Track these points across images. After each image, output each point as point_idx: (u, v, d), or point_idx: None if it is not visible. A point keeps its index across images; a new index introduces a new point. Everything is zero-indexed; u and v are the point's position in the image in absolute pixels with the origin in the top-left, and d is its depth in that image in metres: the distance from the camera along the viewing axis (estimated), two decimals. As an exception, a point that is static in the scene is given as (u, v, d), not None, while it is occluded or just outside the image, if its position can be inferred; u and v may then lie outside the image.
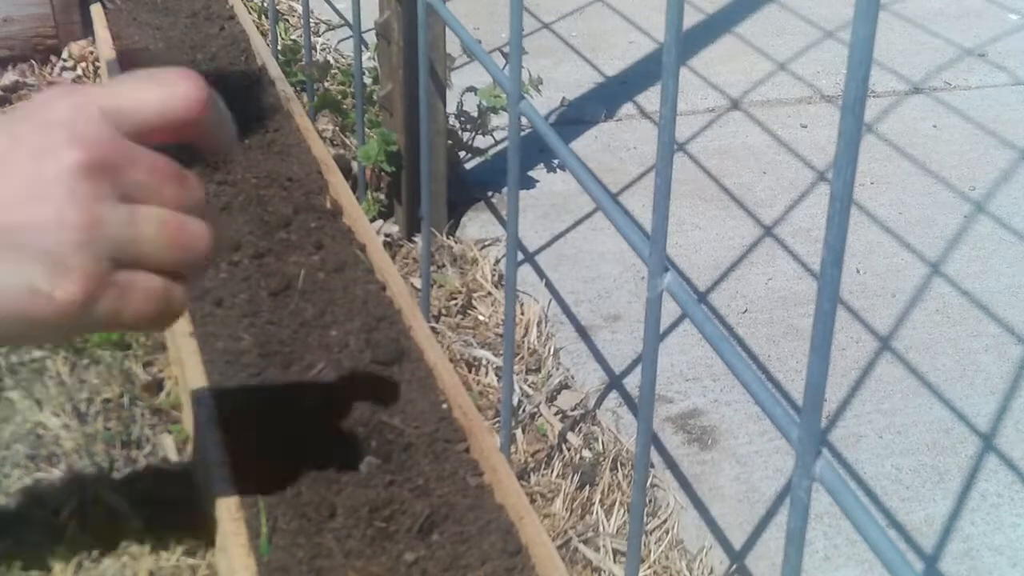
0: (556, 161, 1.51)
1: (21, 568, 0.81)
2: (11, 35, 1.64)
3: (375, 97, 1.35)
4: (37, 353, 1.01)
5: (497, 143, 1.52)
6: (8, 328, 0.53)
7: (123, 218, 0.55)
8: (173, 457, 0.93)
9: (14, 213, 0.52)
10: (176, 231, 0.57)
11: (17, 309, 0.53)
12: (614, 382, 1.11)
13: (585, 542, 0.92)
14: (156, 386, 1.00)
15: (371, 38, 1.35)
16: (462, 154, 1.48)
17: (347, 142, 1.50)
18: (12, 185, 0.53)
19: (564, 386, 1.10)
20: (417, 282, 1.22)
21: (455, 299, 1.21)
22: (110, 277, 0.55)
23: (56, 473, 0.89)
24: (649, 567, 0.91)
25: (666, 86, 0.56)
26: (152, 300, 0.56)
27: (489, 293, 1.23)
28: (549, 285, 1.25)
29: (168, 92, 0.58)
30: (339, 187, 1.18)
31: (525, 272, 1.27)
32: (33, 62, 1.65)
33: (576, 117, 1.66)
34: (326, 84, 1.59)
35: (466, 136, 1.46)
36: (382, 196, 1.34)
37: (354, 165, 1.37)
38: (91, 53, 1.65)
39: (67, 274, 0.53)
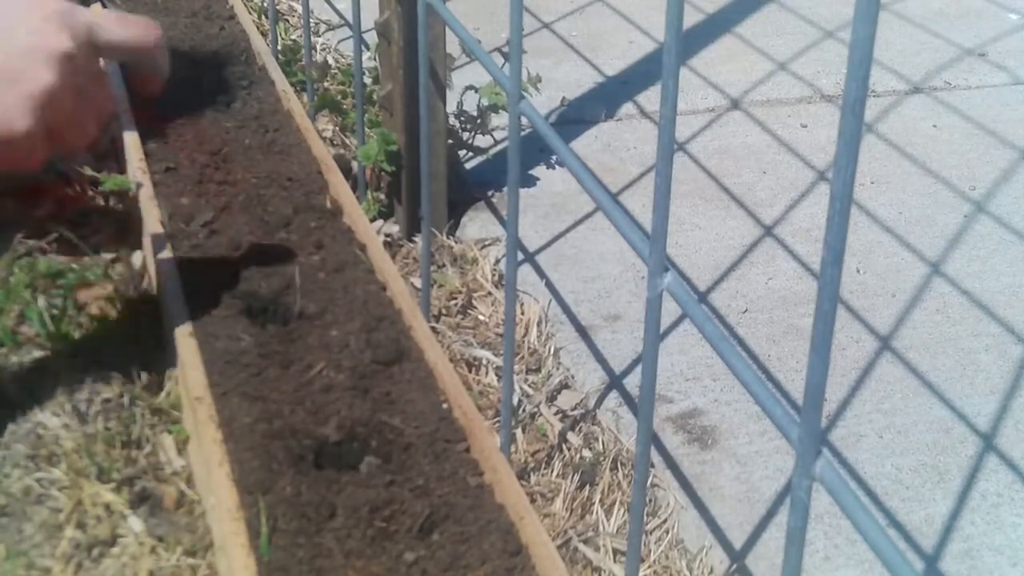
0: (555, 159, 1.51)
1: (21, 568, 0.81)
2: (11, 35, 1.63)
3: (375, 97, 1.35)
4: (37, 353, 1.02)
5: (497, 143, 1.52)
6: None
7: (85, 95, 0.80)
8: (173, 457, 0.93)
9: (12, 63, 0.75)
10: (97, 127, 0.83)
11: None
12: (614, 382, 1.11)
13: (585, 542, 0.92)
14: (156, 386, 1.00)
15: (371, 38, 1.35)
16: (462, 154, 1.48)
17: (347, 142, 1.50)
18: (13, 45, 0.76)
19: (564, 386, 1.10)
20: (417, 282, 1.22)
21: (455, 299, 1.21)
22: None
23: (56, 473, 0.89)
24: (649, 567, 0.91)
25: (666, 86, 0.56)
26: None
27: (489, 293, 1.23)
28: (549, 285, 1.25)
29: (134, 27, 0.82)
30: (339, 187, 1.18)
31: (525, 272, 1.27)
32: (33, 62, 1.64)
33: (576, 117, 1.66)
34: (326, 84, 1.59)
35: (466, 136, 1.46)
36: (382, 196, 1.34)
37: (354, 165, 1.37)
38: (91, 53, 1.65)
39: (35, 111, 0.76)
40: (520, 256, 1.30)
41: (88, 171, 1.30)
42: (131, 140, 1.26)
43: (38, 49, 0.76)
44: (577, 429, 1.04)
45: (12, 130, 0.76)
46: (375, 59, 1.35)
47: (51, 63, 0.76)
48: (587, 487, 0.97)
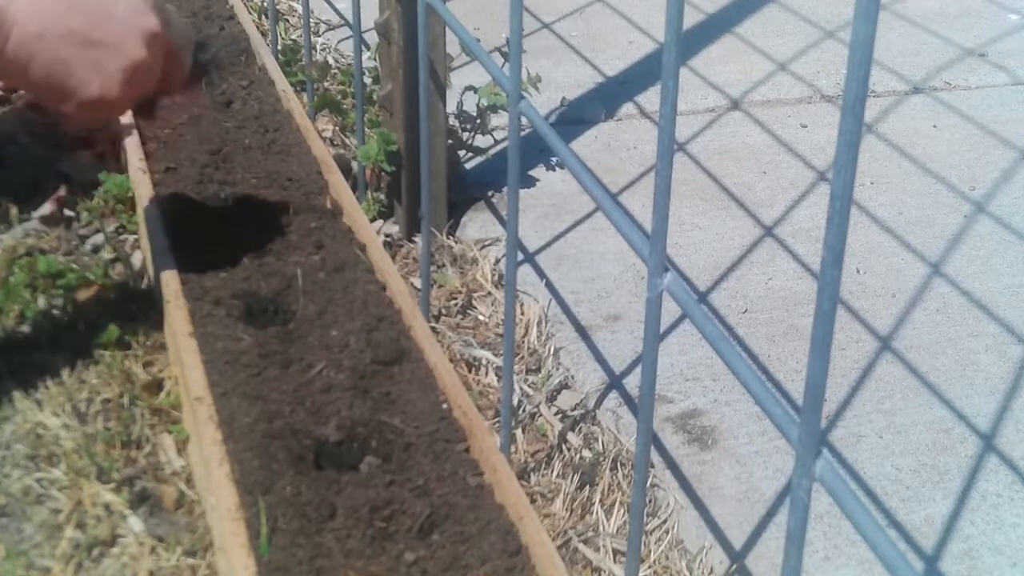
0: (555, 159, 1.51)
1: (21, 568, 0.81)
2: (11, 35, 1.63)
3: (375, 97, 1.35)
4: (37, 353, 1.02)
5: (497, 143, 1.52)
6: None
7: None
8: (173, 457, 0.93)
9: (111, 36, 0.88)
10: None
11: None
12: (614, 382, 1.11)
13: (585, 542, 0.92)
14: (156, 386, 1.00)
15: (371, 38, 1.35)
16: (462, 154, 1.48)
17: (347, 142, 1.50)
18: (114, 18, 0.88)
19: (564, 386, 1.10)
20: (417, 282, 1.22)
21: (455, 299, 1.21)
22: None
23: (56, 473, 0.89)
24: (649, 567, 0.91)
25: (666, 86, 0.56)
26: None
27: (489, 293, 1.23)
28: (549, 285, 1.25)
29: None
30: (339, 187, 1.18)
31: (525, 272, 1.27)
32: (33, 62, 1.64)
33: (576, 117, 1.66)
34: (326, 84, 1.59)
35: (466, 136, 1.46)
36: (382, 196, 1.34)
37: (354, 165, 1.37)
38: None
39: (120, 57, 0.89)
40: (520, 256, 1.30)
41: (87, 171, 1.30)
42: (131, 140, 1.26)
43: (134, 26, 0.88)
44: (577, 429, 1.04)
45: (108, 96, 0.88)
46: (375, 59, 1.35)
47: (144, 40, 0.89)
48: (587, 487, 0.97)
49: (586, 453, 1.01)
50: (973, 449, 1.04)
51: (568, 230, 1.37)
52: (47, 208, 1.24)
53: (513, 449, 1.01)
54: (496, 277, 1.25)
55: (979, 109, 1.73)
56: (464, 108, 1.45)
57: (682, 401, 1.09)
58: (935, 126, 1.68)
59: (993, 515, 0.97)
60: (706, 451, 1.02)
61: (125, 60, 0.88)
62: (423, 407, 0.90)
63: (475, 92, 1.43)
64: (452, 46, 1.37)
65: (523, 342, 1.15)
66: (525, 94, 1.00)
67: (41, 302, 1.07)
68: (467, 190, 1.43)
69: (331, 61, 1.73)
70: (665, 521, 0.94)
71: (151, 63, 0.90)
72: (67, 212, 1.25)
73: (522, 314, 1.19)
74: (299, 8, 1.91)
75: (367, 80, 1.41)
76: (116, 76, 0.88)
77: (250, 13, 1.70)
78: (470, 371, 1.11)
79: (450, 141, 1.37)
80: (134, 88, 0.91)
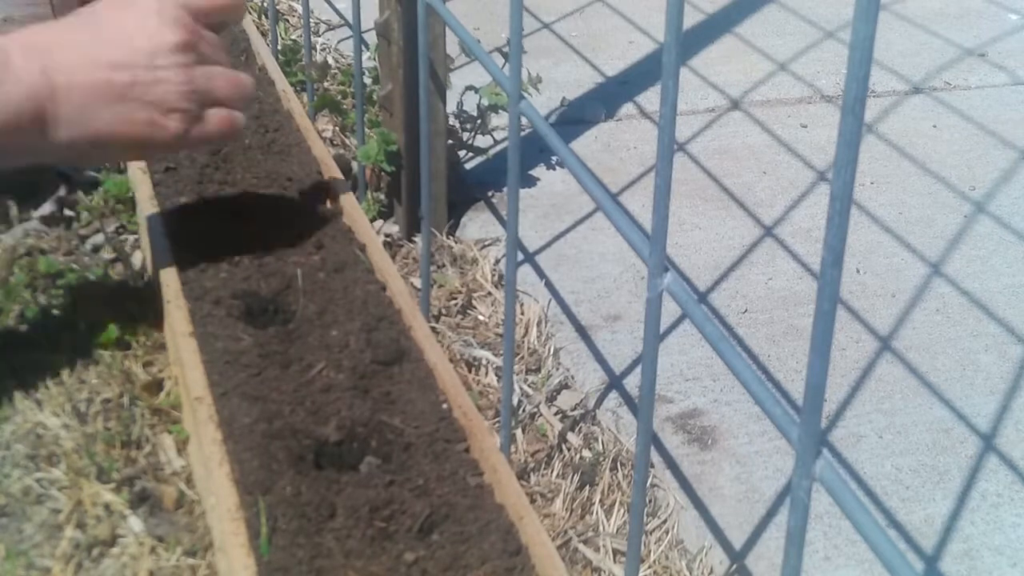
0: (555, 159, 1.51)
1: (21, 568, 0.81)
2: (11, 35, 1.64)
3: (375, 97, 1.35)
4: (37, 353, 1.01)
5: (497, 143, 1.52)
6: (133, 149, 0.92)
7: (205, 75, 0.89)
8: (173, 457, 0.93)
9: (139, 76, 0.85)
10: (234, 80, 0.92)
11: (143, 136, 0.87)
12: (614, 382, 1.11)
13: (585, 542, 0.92)
14: (156, 386, 1.00)
15: (371, 38, 1.35)
16: (462, 154, 1.48)
17: (347, 142, 1.50)
18: (131, 54, 0.85)
19: (564, 386, 1.10)
20: (417, 282, 1.22)
21: (455, 299, 1.21)
22: (199, 114, 0.90)
23: (56, 473, 0.89)
24: (649, 567, 0.91)
25: (666, 86, 0.56)
26: (224, 124, 0.92)
27: (489, 293, 1.23)
28: (549, 285, 1.25)
29: None
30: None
31: (525, 272, 1.27)
32: (33, 62, 1.64)
33: (576, 117, 1.66)
34: (326, 84, 1.59)
35: (466, 136, 1.46)
36: (382, 196, 1.34)
37: (354, 165, 1.37)
38: (91, 53, 1.64)
39: (174, 114, 0.88)
40: (520, 256, 1.30)
41: (87, 172, 1.30)
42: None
43: (159, 52, 0.86)
44: (577, 429, 1.04)
45: (166, 136, 0.88)
46: (375, 59, 1.35)
47: (174, 59, 0.87)
48: (587, 487, 0.97)
49: (586, 453, 1.01)
50: (973, 449, 1.04)
51: (568, 230, 1.37)
52: (47, 208, 1.24)
53: (513, 449, 1.01)
54: (496, 277, 1.25)
55: (979, 109, 1.73)
56: (464, 108, 1.45)
57: (682, 401, 1.09)
58: (935, 126, 1.68)
59: (993, 515, 0.97)
60: (706, 451, 1.02)
61: (159, 96, 0.86)
62: (423, 407, 0.90)
63: (476, 92, 1.43)
64: (452, 46, 1.37)
65: (523, 342, 1.15)
66: (525, 94, 1.00)
67: (41, 302, 1.07)
68: (467, 190, 1.43)
69: (331, 61, 1.73)
70: (665, 521, 0.94)
71: (191, 80, 0.87)
72: (67, 212, 1.25)
73: (522, 314, 1.19)
74: (299, 8, 1.91)
75: (367, 80, 1.41)
76: (162, 118, 0.87)
77: (250, 13, 1.70)
78: (470, 371, 1.11)
79: (450, 141, 1.37)
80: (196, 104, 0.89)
